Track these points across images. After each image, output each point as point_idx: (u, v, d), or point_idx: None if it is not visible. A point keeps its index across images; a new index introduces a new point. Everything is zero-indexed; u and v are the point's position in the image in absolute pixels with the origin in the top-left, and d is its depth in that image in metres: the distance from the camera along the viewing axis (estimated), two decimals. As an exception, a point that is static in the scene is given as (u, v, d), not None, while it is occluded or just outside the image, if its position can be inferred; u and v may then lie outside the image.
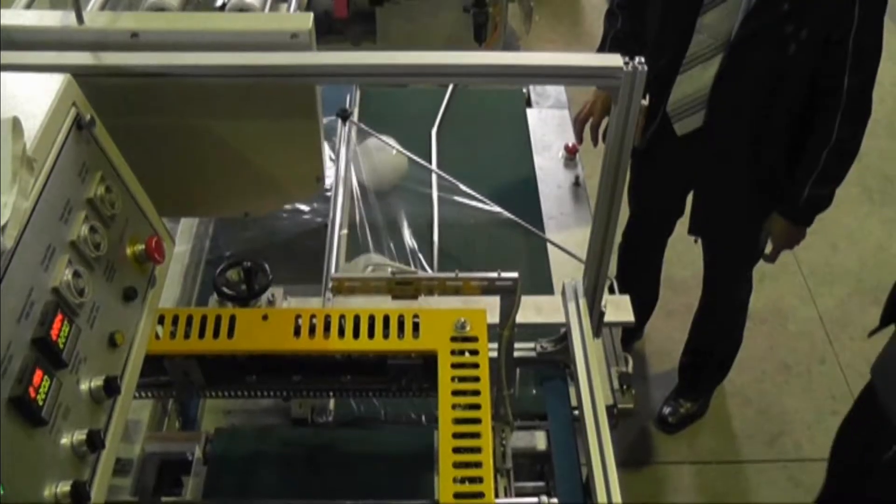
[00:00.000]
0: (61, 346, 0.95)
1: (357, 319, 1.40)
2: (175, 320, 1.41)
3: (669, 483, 3.01)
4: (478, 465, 1.23)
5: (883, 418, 2.03)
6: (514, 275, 1.38)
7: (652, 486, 2.99)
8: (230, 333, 1.39)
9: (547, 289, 1.97)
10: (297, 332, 1.40)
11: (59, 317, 0.95)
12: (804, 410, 3.25)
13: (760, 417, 3.23)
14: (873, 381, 2.13)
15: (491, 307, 1.50)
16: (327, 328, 1.40)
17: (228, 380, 1.48)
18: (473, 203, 2.15)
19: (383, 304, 1.47)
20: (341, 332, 1.39)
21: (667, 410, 3.12)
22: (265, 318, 1.42)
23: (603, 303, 1.56)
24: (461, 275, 1.39)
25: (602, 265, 1.51)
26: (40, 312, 0.94)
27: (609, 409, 1.50)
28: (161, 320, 1.40)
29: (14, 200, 0.90)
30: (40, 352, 0.92)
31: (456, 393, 1.31)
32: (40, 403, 0.90)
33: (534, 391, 1.69)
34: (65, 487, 0.93)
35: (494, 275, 1.38)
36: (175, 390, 1.51)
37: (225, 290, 1.60)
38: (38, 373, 0.90)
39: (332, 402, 1.75)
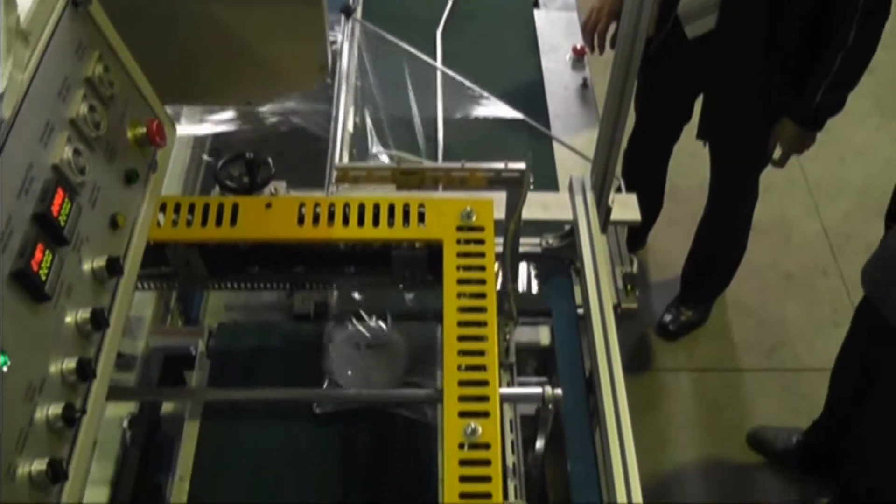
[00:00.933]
0: (62, 223, 0.94)
1: (362, 208, 1.37)
2: (177, 208, 1.38)
3: (668, 389, 3.04)
4: (482, 353, 1.21)
5: (879, 328, 2.01)
6: (522, 165, 1.35)
7: (651, 392, 3.02)
8: (233, 221, 1.36)
9: (552, 188, 1.95)
10: (300, 220, 1.36)
11: (60, 194, 0.94)
12: (804, 322, 3.26)
13: (760, 327, 3.24)
14: (863, 284, 2.11)
15: (497, 204, 1.48)
16: (331, 217, 1.37)
17: (231, 270, 1.47)
18: (479, 101, 2.11)
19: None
20: (345, 221, 1.36)
21: (668, 318, 3.13)
22: (268, 206, 1.38)
23: (610, 199, 1.55)
24: (467, 165, 1.37)
25: (610, 160, 1.49)
26: (40, 189, 0.92)
27: (613, 308, 1.50)
28: (163, 208, 1.37)
29: (10, 71, 0.88)
30: (41, 227, 0.91)
31: (461, 282, 1.28)
32: (43, 279, 0.89)
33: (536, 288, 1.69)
34: (70, 364, 0.93)
35: (501, 165, 1.36)
36: (177, 281, 1.50)
37: (227, 182, 1.58)
38: (40, 248, 0.89)
39: (335, 298, 1.75)
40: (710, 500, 2.76)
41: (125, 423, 1.59)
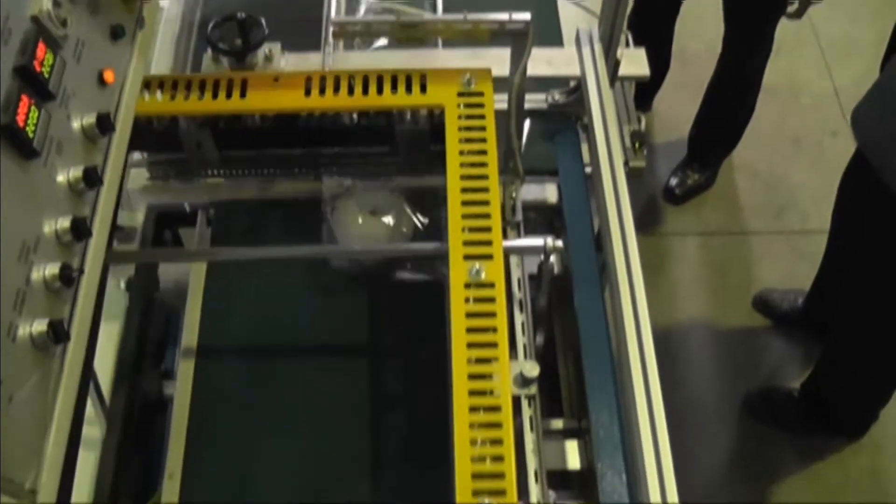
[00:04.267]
0: (46, 76, 0.90)
1: (366, 79, 1.39)
2: (189, 85, 1.40)
3: (674, 253, 3.03)
4: (485, 203, 1.24)
5: (866, 177, 1.96)
6: (526, 16, 1.30)
7: (657, 257, 3.00)
8: (242, 94, 1.38)
9: (557, 45, 1.89)
10: (307, 92, 1.39)
11: (42, 46, 0.90)
12: (812, 184, 3.22)
13: (767, 190, 3.20)
14: (852, 127, 2.04)
15: (500, 61, 1.43)
16: (337, 88, 1.39)
17: (241, 151, 1.50)
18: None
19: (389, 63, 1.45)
20: (350, 91, 1.38)
21: (674, 182, 3.09)
22: (276, 80, 1.42)
23: (618, 53, 1.49)
24: (469, 17, 1.32)
25: (619, 10, 1.43)
26: (20, 41, 0.88)
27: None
28: (175, 85, 1.40)
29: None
30: (24, 81, 0.87)
31: (463, 141, 1.31)
32: (30, 134, 0.86)
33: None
34: (64, 223, 0.91)
35: (505, 17, 1.31)
36: (191, 167, 1.51)
37: (220, 44, 1.53)
38: (25, 101, 0.86)
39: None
40: (716, 361, 2.78)
41: (122, 285, 1.57)
